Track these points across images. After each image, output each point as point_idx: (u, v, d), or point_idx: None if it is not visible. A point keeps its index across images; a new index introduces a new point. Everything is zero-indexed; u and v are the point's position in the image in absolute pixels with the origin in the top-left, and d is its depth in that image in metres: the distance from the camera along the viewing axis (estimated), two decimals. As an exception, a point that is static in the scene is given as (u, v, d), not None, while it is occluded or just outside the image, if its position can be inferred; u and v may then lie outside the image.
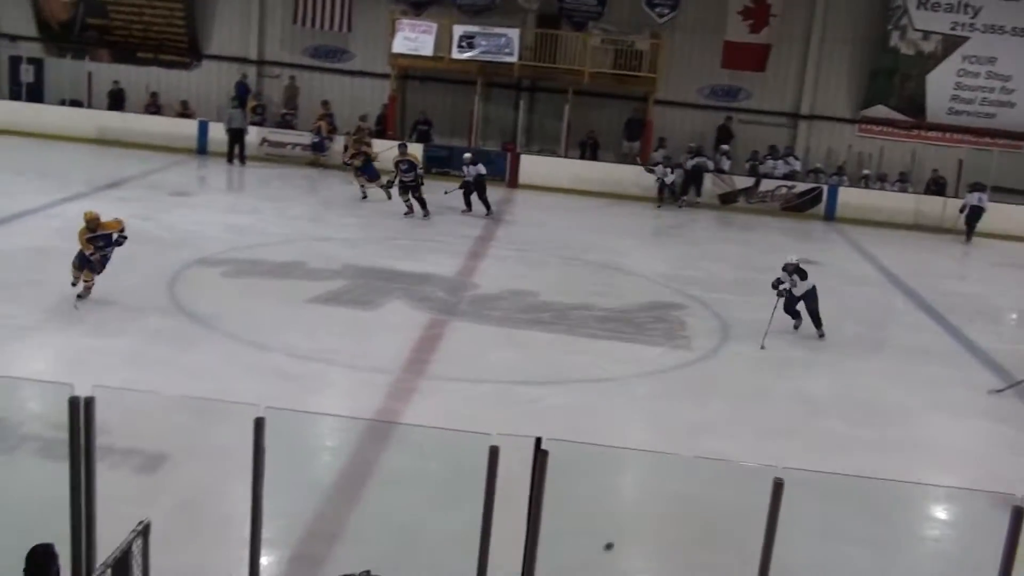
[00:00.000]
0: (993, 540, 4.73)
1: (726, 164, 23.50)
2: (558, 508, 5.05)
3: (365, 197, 19.81)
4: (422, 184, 18.77)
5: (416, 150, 22.79)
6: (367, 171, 19.90)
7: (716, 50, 24.27)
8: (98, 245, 11.52)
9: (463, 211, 19.53)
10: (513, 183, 23.29)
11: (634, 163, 23.29)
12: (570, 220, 20.42)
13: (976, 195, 21.70)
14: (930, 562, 7.81)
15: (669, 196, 22.55)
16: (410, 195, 18.63)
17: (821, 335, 12.92)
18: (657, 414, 10.11)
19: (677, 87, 24.22)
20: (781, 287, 12.84)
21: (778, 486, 4.47)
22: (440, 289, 13.87)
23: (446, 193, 19.46)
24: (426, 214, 18.64)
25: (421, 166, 19.34)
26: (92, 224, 11.53)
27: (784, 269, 12.88)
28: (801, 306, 12.97)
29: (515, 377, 10.67)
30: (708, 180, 23.19)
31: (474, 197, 19.55)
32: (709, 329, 13.18)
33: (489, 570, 4.74)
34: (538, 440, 4.57)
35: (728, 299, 14.69)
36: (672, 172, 22.43)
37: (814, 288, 12.91)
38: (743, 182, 23.31)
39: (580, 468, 7.36)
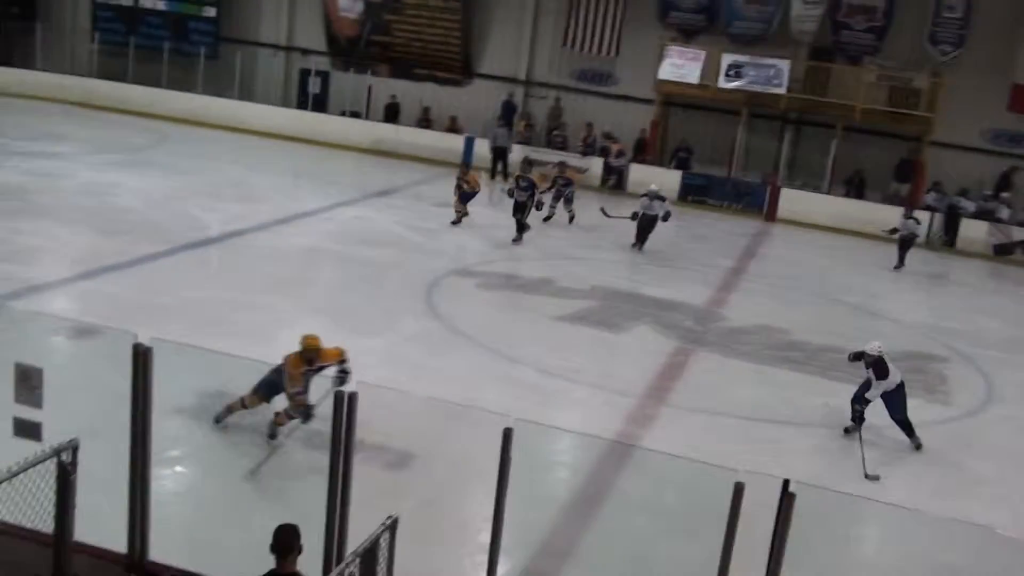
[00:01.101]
0: None
1: (1005, 213, 21.99)
2: (794, 553, 4.88)
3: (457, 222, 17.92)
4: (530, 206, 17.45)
5: (674, 177, 22.73)
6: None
7: (1003, 91, 22.79)
8: (308, 379, 8.12)
9: (633, 245, 17.75)
10: (772, 216, 22.75)
11: (901, 204, 22.11)
12: (828, 259, 19.74)
13: None
14: None
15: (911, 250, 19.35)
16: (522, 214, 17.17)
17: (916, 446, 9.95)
18: (908, 470, 9.58)
19: (956, 128, 22.86)
20: (862, 407, 9.73)
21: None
22: (688, 317, 13.74)
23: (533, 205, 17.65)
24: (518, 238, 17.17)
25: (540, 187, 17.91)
26: (310, 353, 8.12)
27: (863, 359, 9.95)
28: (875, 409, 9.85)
29: (759, 414, 10.40)
30: (981, 228, 21.78)
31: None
32: (973, 386, 12.37)
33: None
34: (786, 482, 4.44)
35: (997, 356, 13.75)
36: (919, 223, 19.60)
37: (898, 387, 9.89)
38: (1023, 234, 21.75)
39: (821, 514, 7.08)
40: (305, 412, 8.00)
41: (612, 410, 9.88)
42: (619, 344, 12.38)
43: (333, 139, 25.18)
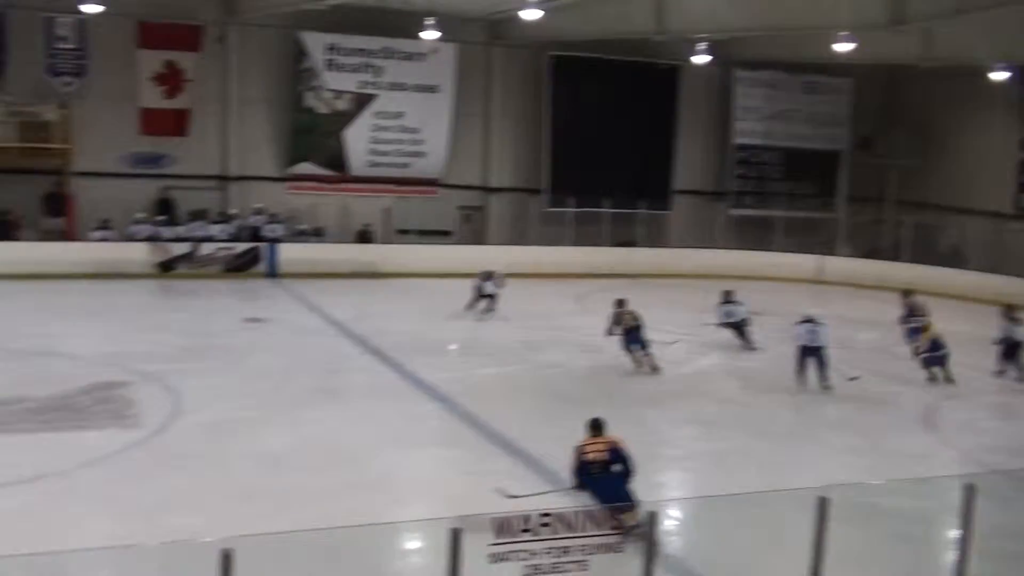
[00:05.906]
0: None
1: (166, 232, 22.77)
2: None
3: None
4: None
5: None
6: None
7: (133, 116, 23.37)
8: None
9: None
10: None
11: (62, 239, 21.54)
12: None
13: None
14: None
15: None
16: None
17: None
18: (110, 502, 9.34)
19: (96, 156, 22.85)
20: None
21: (226, 558, 4.23)
22: None
23: None
24: None
25: None
26: None
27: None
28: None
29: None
30: (144, 249, 22.24)
31: None
32: (159, 402, 12.55)
33: None
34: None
35: (176, 368, 14.15)
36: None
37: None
38: (181, 248, 22.66)
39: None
40: None
41: None
42: None
43: None
